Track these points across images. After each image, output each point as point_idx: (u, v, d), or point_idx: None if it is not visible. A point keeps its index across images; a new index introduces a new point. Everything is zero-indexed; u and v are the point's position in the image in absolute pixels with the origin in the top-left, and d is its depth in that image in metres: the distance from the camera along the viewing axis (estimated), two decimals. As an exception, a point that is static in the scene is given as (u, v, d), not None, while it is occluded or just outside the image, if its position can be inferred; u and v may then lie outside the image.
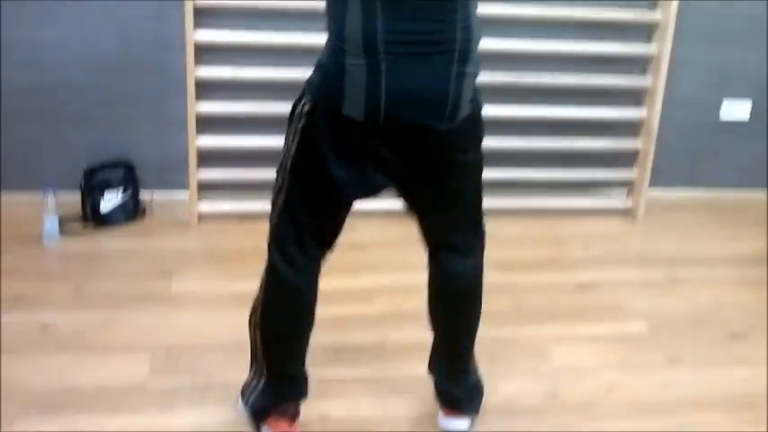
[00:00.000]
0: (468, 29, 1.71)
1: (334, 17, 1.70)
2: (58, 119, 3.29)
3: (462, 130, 1.80)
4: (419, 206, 1.95)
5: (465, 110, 1.77)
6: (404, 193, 1.92)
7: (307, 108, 1.78)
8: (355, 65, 1.67)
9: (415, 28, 1.66)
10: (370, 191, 1.87)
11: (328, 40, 1.73)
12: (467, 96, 1.76)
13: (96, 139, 3.34)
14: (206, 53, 3.22)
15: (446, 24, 1.68)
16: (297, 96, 1.82)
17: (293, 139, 1.82)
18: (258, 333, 2.00)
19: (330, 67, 1.72)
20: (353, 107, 1.70)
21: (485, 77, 3.29)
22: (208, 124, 3.31)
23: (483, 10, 3.20)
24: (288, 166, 1.84)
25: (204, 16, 3.17)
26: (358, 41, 1.65)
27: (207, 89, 3.26)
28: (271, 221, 1.91)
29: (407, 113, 1.71)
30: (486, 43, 3.24)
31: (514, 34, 3.43)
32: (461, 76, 1.72)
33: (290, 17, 3.23)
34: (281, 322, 1.98)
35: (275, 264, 1.91)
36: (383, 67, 1.66)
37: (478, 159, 1.91)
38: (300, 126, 1.79)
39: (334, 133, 1.75)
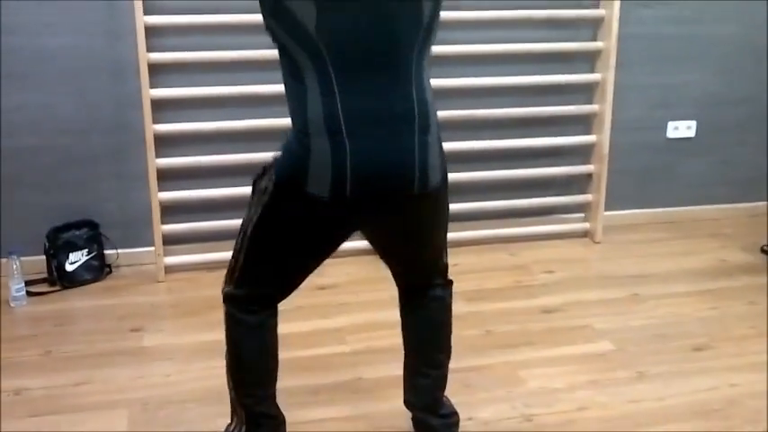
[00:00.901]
0: (424, 100, 1.76)
1: (295, 100, 1.73)
2: (19, 183, 3.30)
3: (434, 195, 1.84)
4: (390, 257, 2.03)
5: (435, 177, 1.80)
6: (375, 246, 1.99)
7: (270, 187, 1.81)
8: (320, 144, 1.70)
9: (373, 104, 1.70)
10: (335, 250, 1.93)
11: (292, 122, 1.76)
12: (434, 163, 1.79)
13: (59, 201, 3.35)
14: (163, 108, 3.27)
15: (402, 97, 1.72)
16: (261, 168, 1.86)
17: (256, 211, 1.86)
18: (230, 377, 2.06)
19: (295, 148, 1.75)
20: (318, 186, 1.72)
21: (439, 112, 3.43)
22: (169, 178, 3.35)
23: (436, 48, 3.33)
24: (248, 232, 1.88)
25: (160, 72, 3.23)
26: (320, 122, 1.69)
27: (166, 143, 3.30)
28: (229, 272, 1.97)
29: (376, 188, 1.74)
30: (439, 80, 3.40)
31: (465, 70, 3.55)
32: (424, 145, 1.76)
33: (246, 68, 3.29)
34: (246, 363, 2.03)
35: (231, 312, 1.99)
36: (347, 145, 1.69)
37: (447, 213, 1.97)
38: (264, 202, 1.83)
39: (299, 211, 1.79)
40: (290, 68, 1.72)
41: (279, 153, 1.82)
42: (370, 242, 1.98)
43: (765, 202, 4.14)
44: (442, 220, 1.96)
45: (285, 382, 2.17)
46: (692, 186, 4.05)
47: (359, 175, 1.71)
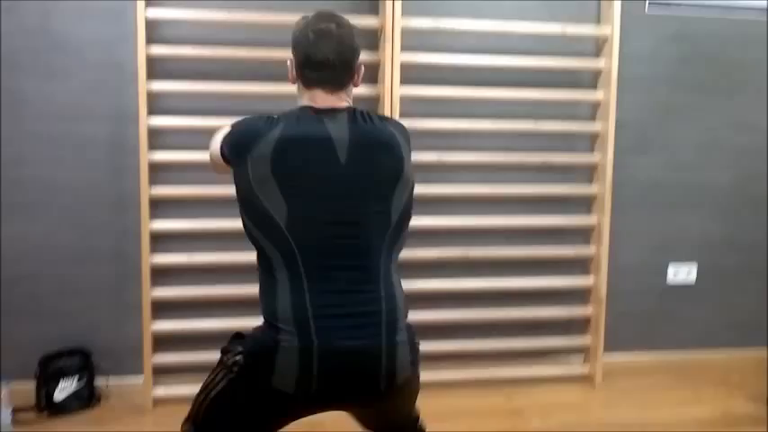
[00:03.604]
0: (392, 297, 1.81)
1: (266, 296, 1.81)
2: (14, 310, 3.34)
3: (402, 390, 1.86)
4: (358, 421, 2.03)
5: (404, 374, 1.82)
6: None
7: (237, 369, 1.84)
8: (288, 341, 1.74)
9: (342, 301, 1.75)
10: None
11: (263, 314, 1.82)
12: (403, 361, 1.81)
13: (55, 328, 3.38)
14: (161, 240, 3.34)
15: (370, 296, 1.78)
16: (232, 338, 1.91)
17: (222, 379, 1.88)
18: None
19: (265, 341, 1.79)
20: (283, 381, 1.75)
21: (436, 253, 3.46)
22: (163, 309, 3.37)
23: (434, 189, 3.40)
24: (212, 395, 1.89)
25: (160, 206, 3.32)
26: (289, 319, 1.74)
27: (162, 275, 3.35)
28: (192, 413, 1.95)
29: (342, 388, 1.77)
30: (437, 219, 3.45)
31: (462, 210, 3.59)
32: (393, 346, 1.78)
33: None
34: None
35: None
36: (315, 343, 1.72)
37: (417, 392, 1.98)
38: (231, 378, 1.86)
39: (263, 399, 1.81)
40: (264, 265, 1.81)
41: (250, 341, 1.86)
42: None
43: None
44: (411, 401, 1.98)
45: None
46: (695, 330, 3.98)
47: (325, 375, 1.74)
